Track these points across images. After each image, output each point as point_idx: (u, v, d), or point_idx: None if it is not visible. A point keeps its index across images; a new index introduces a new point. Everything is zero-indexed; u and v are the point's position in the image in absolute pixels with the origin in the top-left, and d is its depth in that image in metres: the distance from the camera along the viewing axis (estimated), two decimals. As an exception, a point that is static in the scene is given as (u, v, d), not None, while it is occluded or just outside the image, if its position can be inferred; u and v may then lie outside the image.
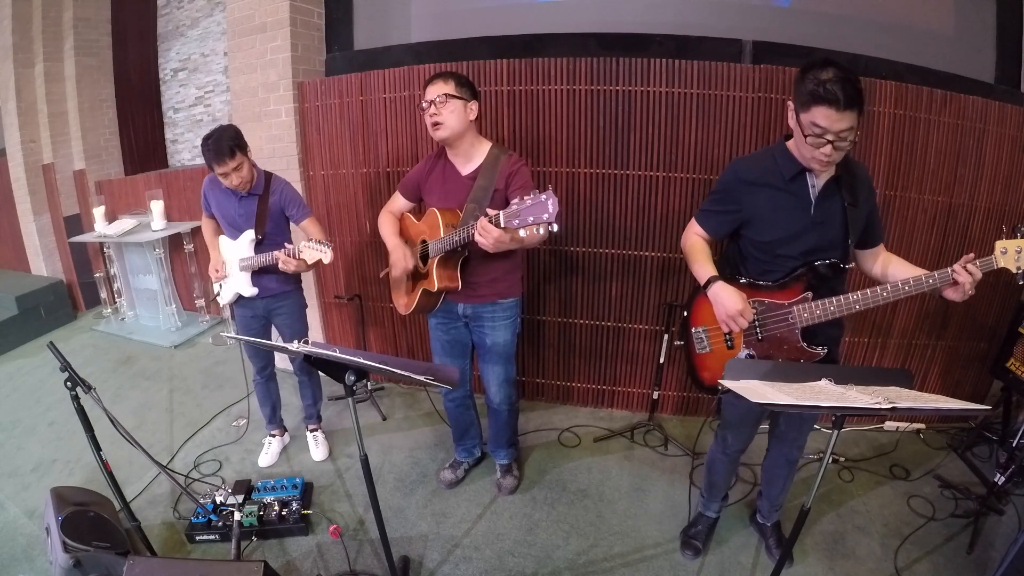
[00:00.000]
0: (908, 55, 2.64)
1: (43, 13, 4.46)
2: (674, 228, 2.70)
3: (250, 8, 3.07)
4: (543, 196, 1.57)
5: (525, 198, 1.60)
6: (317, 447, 2.73)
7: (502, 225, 1.66)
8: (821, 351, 1.64)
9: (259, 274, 2.38)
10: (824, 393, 1.28)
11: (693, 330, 1.81)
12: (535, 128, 2.73)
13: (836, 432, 1.31)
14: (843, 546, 2.12)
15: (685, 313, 1.85)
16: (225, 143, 2.14)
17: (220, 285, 2.49)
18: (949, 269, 1.46)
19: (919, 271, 1.54)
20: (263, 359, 2.60)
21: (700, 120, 2.55)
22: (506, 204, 1.70)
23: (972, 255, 1.45)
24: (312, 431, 2.77)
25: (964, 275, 1.43)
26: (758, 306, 1.65)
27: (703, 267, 1.70)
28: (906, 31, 2.73)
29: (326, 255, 2.09)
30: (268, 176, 2.38)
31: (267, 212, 2.33)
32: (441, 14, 3.15)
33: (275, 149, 3.20)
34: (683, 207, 2.66)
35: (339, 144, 3.10)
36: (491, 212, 1.71)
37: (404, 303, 2.20)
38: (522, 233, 1.63)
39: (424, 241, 2.05)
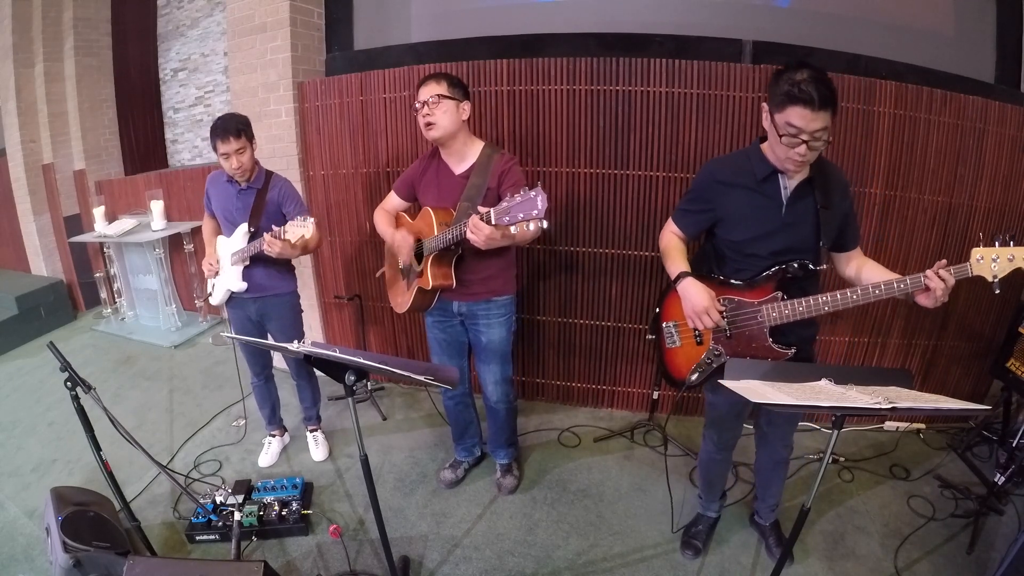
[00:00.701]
0: (908, 55, 2.64)
1: (43, 13, 4.45)
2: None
3: (250, 8, 3.07)
4: (532, 193, 1.60)
5: (515, 195, 1.63)
6: (317, 447, 2.72)
7: (493, 222, 1.69)
8: (790, 351, 1.65)
9: (250, 270, 2.36)
10: (824, 393, 1.28)
11: (664, 325, 1.85)
12: (535, 128, 2.73)
13: (836, 432, 1.31)
14: (843, 546, 2.12)
15: (657, 308, 1.88)
16: (233, 123, 2.19)
17: (213, 284, 2.49)
18: (921, 275, 1.44)
19: (892, 275, 1.54)
20: (260, 363, 2.59)
21: (700, 120, 2.55)
22: (499, 202, 1.72)
23: (945, 261, 1.44)
24: (312, 431, 2.77)
25: (936, 281, 1.41)
26: (728, 304, 1.67)
27: (675, 263, 1.73)
28: (906, 31, 2.73)
29: (308, 229, 2.02)
30: (269, 173, 2.38)
31: (264, 206, 2.32)
32: (441, 14, 3.15)
33: (275, 149, 3.20)
34: (683, 207, 2.66)
35: (339, 144, 3.10)
36: (482, 210, 1.73)
37: (400, 301, 2.21)
38: (513, 230, 1.66)
39: (419, 240, 2.06)
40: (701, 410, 2.95)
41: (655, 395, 2.87)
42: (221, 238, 2.45)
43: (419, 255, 2.07)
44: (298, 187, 3.19)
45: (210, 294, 2.51)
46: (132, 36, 4.94)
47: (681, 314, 1.73)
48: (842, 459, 2.59)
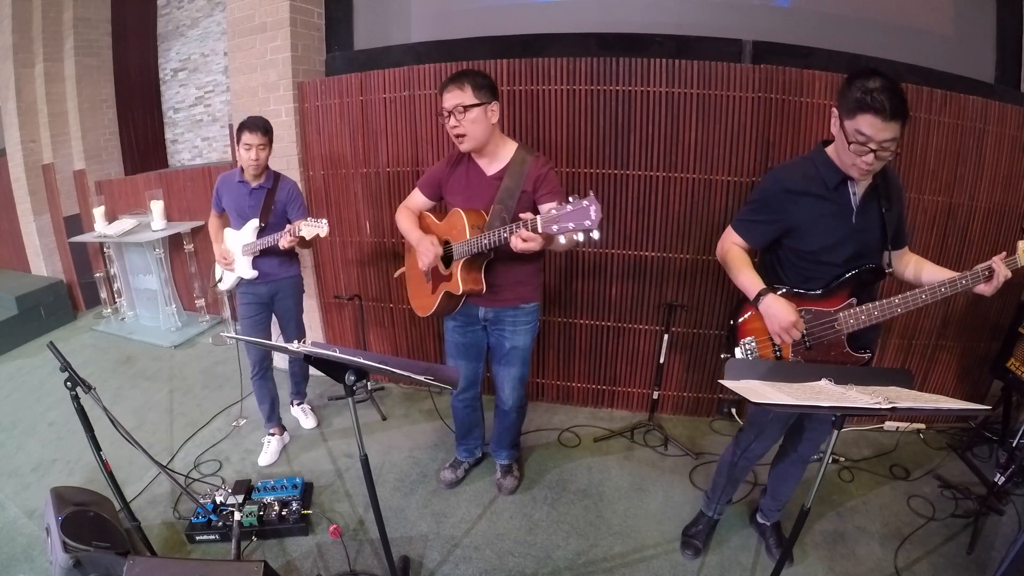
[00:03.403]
0: (908, 55, 2.64)
1: (43, 13, 4.46)
2: (674, 228, 2.70)
3: (250, 8, 3.07)
4: (584, 202, 1.54)
5: (566, 204, 1.58)
6: (306, 417, 2.94)
7: (540, 231, 1.64)
8: (867, 355, 1.66)
9: (259, 259, 2.56)
10: (824, 393, 1.28)
11: (742, 341, 1.78)
12: (535, 128, 2.73)
13: (836, 432, 1.31)
14: (843, 546, 2.12)
15: (732, 321, 1.81)
16: (262, 122, 2.44)
17: (221, 273, 2.66)
18: (979, 267, 1.52)
19: (952, 273, 1.58)
20: (260, 353, 2.68)
21: (700, 120, 2.55)
22: (532, 206, 1.67)
23: (1005, 254, 1.51)
24: (299, 404, 2.95)
25: (1003, 268, 1.49)
26: (806, 315, 1.65)
27: (750, 279, 1.68)
28: (906, 31, 2.73)
29: (323, 229, 2.26)
30: (278, 175, 2.58)
31: (273, 204, 2.53)
32: (441, 14, 3.15)
33: (275, 149, 3.15)
34: (683, 207, 2.66)
35: (339, 144, 3.10)
36: (524, 217, 1.67)
37: (425, 305, 2.14)
38: (562, 240, 1.62)
39: (447, 242, 2.00)
40: (701, 410, 2.97)
41: (655, 395, 2.87)
42: (229, 231, 2.61)
43: (447, 258, 2.00)
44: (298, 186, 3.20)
45: (220, 280, 2.67)
46: (132, 36, 4.94)
47: (759, 330, 1.71)
48: (842, 459, 2.59)
